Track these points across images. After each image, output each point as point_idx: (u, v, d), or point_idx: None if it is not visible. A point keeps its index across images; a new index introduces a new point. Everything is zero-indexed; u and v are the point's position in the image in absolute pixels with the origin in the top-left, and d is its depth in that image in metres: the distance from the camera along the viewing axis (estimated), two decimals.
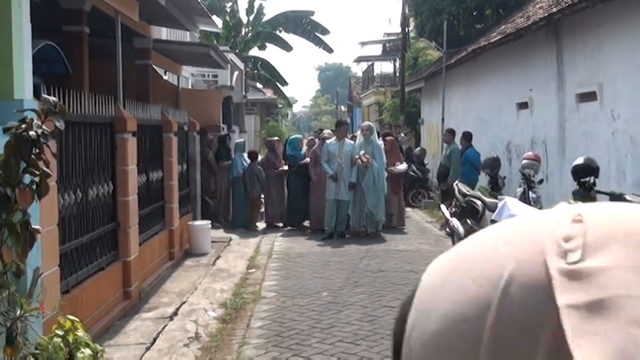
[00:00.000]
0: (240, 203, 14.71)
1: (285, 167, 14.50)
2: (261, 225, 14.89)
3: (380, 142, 15.35)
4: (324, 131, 15.72)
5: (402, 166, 14.90)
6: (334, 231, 13.29)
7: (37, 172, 3.29)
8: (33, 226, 3.40)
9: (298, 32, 33.75)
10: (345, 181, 13.29)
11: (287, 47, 33.85)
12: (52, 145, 3.50)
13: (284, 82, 35.97)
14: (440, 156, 16.29)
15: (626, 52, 9.88)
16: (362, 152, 13.22)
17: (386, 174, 13.62)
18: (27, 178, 3.35)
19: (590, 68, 11.06)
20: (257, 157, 15.08)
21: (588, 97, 11.13)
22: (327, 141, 13.85)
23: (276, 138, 17.17)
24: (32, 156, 3.24)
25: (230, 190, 15.18)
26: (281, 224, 14.66)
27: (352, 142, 13.96)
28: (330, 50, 34.16)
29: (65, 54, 9.56)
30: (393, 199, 14.25)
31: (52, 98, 3.25)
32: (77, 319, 4.79)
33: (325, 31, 33.82)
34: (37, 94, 5.76)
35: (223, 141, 15.56)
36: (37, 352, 4.38)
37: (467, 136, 14.68)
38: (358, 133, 14.57)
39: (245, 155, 15.03)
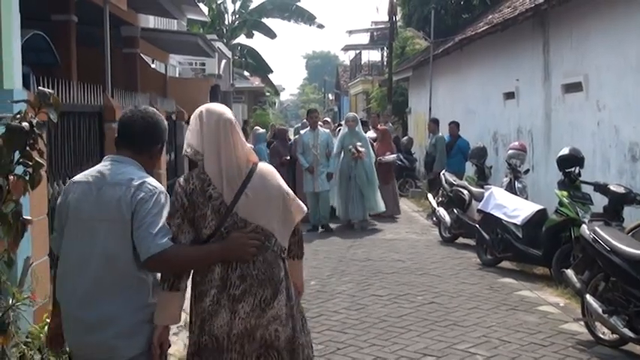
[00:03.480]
0: None
1: (288, 157, 14.22)
2: None
3: (372, 133, 15.37)
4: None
5: (392, 156, 14.94)
6: (318, 224, 12.82)
7: (30, 163, 3.32)
8: (24, 217, 3.44)
9: (286, 17, 33.83)
10: (321, 173, 12.74)
11: (271, 34, 33.85)
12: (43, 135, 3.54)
13: (269, 70, 35.99)
14: (425, 145, 16.33)
15: (611, 42, 9.96)
16: (359, 144, 12.65)
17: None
18: (19, 169, 3.38)
19: (576, 59, 11.15)
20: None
21: (574, 87, 11.22)
22: (301, 131, 13.56)
23: (284, 127, 17.02)
24: (26, 147, 3.27)
25: None
26: None
27: (327, 131, 13.47)
28: (321, 26, 34.46)
29: (53, 43, 9.53)
30: (386, 189, 14.31)
31: (48, 90, 3.27)
32: None
33: (312, 17, 33.90)
34: (25, 84, 5.76)
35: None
36: (29, 340, 4.42)
37: (458, 126, 14.81)
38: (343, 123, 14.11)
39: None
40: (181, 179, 3.37)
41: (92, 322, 3.15)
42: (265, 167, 3.46)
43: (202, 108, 3.44)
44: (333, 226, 12.99)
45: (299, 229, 3.54)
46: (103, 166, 3.32)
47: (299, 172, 13.64)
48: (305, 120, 16.10)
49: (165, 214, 3.20)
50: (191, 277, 3.33)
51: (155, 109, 3.49)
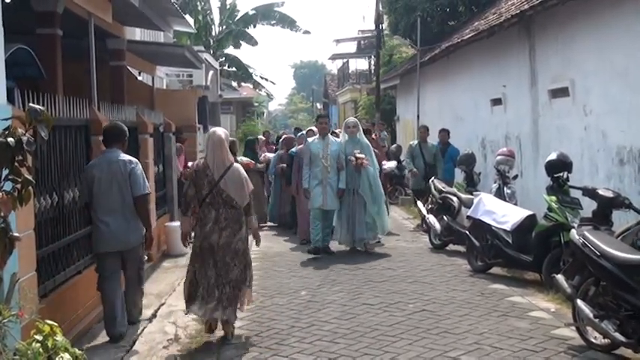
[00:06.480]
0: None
1: (284, 165, 13.73)
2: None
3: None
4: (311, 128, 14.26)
5: (391, 164, 14.76)
6: (320, 246, 11.26)
7: (19, 180, 3.28)
8: (12, 234, 3.39)
9: (272, 23, 34.13)
10: (332, 188, 11.25)
11: (253, 42, 34.17)
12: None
13: (252, 79, 36.21)
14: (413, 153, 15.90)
15: (596, 48, 10.01)
16: (357, 151, 11.28)
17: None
18: (8, 185, 3.34)
19: (562, 64, 11.19)
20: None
21: (561, 92, 11.27)
22: (309, 139, 12.07)
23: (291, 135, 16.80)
24: (15, 163, 3.23)
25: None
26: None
27: (338, 140, 11.81)
28: (307, 32, 34.80)
29: (38, 56, 9.46)
30: None
31: (39, 107, 3.24)
32: (56, 324, 4.76)
33: (295, 23, 34.29)
34: (10, 99, 5.72)
35: (252, 144, 15.50)
36: (17, 357, 4.35)
37: (449, 133, 14.76)
38: (341, 131, 12.69)
39: None
40: (194, 163, 6.94)
41: (115, 227, 6.67)
42: (237, 165, 6.84)
43: (212, 130, 6.96)
44: (334, 250, 11.54)
45: (250, 202, 6.88)
46: (105, 155, 6.84)
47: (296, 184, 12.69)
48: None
49: (143, 174, 6.85)
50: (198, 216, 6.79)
51: (119, 121, 7.58)
